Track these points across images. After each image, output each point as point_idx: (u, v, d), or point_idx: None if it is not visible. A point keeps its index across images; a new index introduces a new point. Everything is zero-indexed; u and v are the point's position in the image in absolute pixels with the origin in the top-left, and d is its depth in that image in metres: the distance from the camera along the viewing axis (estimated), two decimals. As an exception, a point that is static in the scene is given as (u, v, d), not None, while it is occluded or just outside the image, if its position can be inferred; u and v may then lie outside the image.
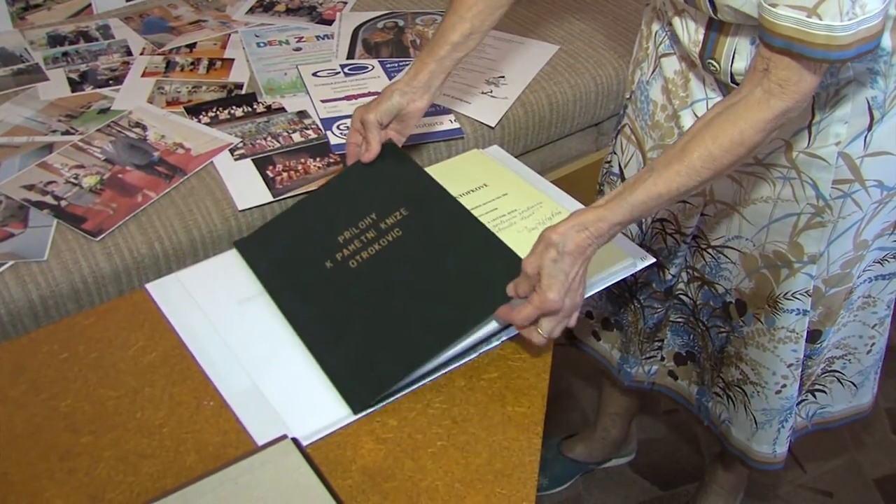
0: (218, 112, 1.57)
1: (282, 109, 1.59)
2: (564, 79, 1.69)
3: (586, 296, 1.06)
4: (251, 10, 1.90)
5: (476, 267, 1.03)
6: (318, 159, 1.47)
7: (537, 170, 1.33)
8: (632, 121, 1.28)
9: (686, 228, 1.26)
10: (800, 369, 1.28)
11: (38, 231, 1.32)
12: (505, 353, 1.01)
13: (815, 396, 1.41)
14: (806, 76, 0.88)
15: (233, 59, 1.72)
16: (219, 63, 1.72)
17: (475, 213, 1.10)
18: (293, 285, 1.07)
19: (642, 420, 1.85)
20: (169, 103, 1.60)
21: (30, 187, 1.39)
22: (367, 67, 1.71)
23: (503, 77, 1.68)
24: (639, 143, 1.27)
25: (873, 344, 1.35)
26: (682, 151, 0.92)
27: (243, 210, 1.39)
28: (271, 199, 1.39)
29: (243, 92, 1.64)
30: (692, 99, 1.14)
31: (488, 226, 1.08)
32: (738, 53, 1.01)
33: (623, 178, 1.32)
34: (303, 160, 1.46)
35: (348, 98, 1.61)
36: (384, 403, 0.95)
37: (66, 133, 1.51)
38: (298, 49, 1.77)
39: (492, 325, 1.00)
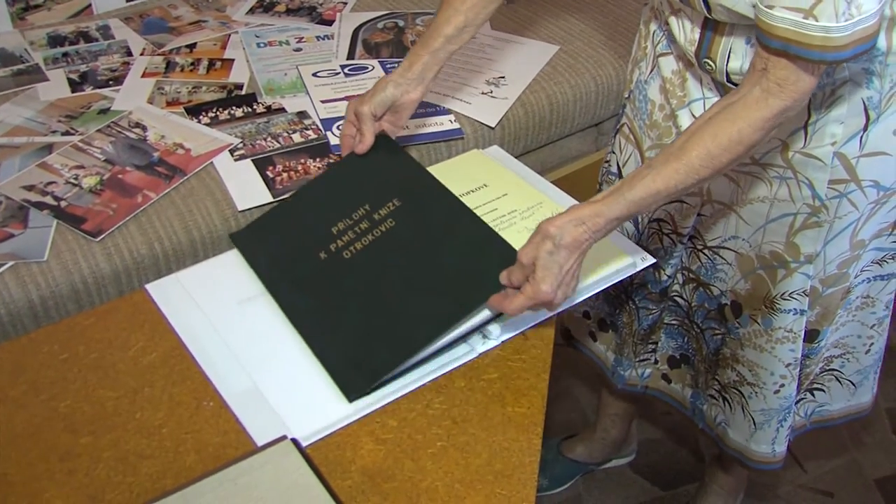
0: (218, 112, 1.57)
1: (282, 110, 1.59)
2: (565, 79, 1.69)
3: (587, 296, 1.06)
4: (251, 11, 1.90)
5: (469, 256, 1.03)
6: (318, 160, 1.47)
7: (537, 170, 1.33)
8: (630, 120, 1.28)
9: (683, 228, 1.26)
10: (798, 369, 1.28)
11: (38, 231, 1.32)
12: (505, 353, 1.01)
13: (813, 395, 1.41)
14: (804, 76, 0.88)
15: (233, 60, 1.72)
16: (219, 63, 1.72)
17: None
18: (288, 277, 1.08)
19: (642, 420, 1.85)
20: (169, 104, 1.60)
21: (30, 188, 1.39)
22: (368, 68, 1.71)
23: (503, 77, 1.68)
24: (637, 142, 1.27)
25: (872, 344, 1.35)
26: (681, 149, 0.92)
27: (243, 210, 1.39)
28: (271, 199, 1.39)
29: (243, 92, 1.64)
30: (689, 98, 1.14)
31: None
32: (734, 53, 1.02)
33: (621, 178, 1.32)
34: (303, 160, 1.46)
35: (348, 98, 1.60)
36: (385, 403, 0.95)
37: (66, 133, 1.51)
38: (298, 49, 1.77)
39: (485, 313, 1.01)
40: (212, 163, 1.45)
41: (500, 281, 0.97)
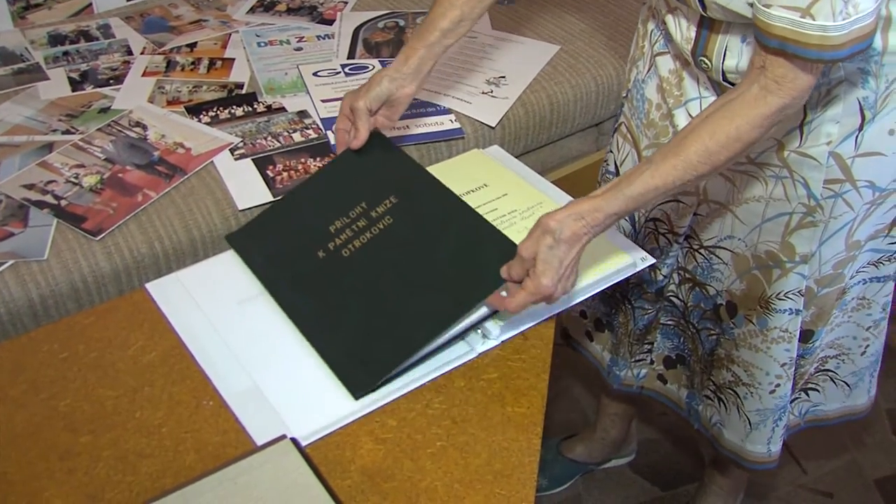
0: (218, 112, 1.57)
1: (282, 109, 1.59)
2: (565, 79, 1.69)
3: (587, 296, 1.06)
4: (252, 10, 1.90)
5: (467, 251, 1.04)
6: (318, 159, 1.47)
7: (538, 170, 1.33)
8: (628, 119, 1.28)
9: (679, 228, 1.27)
10: (793, 368, 1.28)
11: (38, 230, 1.32)
12: (505, 353, 1.01)
13: (807, 395, 1.41)
14: (801, 74, 0.88)
15: (233, 59, 1.72)
16: (219, 63, 1.72)
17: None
18: (287, 277, 1.08)
19: (642, 421, 1.85)
20: (169, 103, 1.60)
21: (30, 186, 1.39)
22: (368, 67, 1.71)
23: (504, 77, 1.68)
24: (634, 141, 1.27)
25: (867, 346, 1.35)
26: (679, 146, 0.92)
27: (243, 210, 1.39)
28: (271, 198, 1.39)
29: (244, 91, 1.64)
30: (686, 98, 1.14)
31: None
32: (730, 51, 1.02)
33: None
34: (303, 160, 1.47)
35: (348, 98, 1.61)
36: (384, 402, 0.95)
37: (67, 132, 1.51)
38: (299, 49, 1.77)
39: (485, 309, 1.01)
40: (212, 162, 1.45)
41: (500, 275, 0.97)
